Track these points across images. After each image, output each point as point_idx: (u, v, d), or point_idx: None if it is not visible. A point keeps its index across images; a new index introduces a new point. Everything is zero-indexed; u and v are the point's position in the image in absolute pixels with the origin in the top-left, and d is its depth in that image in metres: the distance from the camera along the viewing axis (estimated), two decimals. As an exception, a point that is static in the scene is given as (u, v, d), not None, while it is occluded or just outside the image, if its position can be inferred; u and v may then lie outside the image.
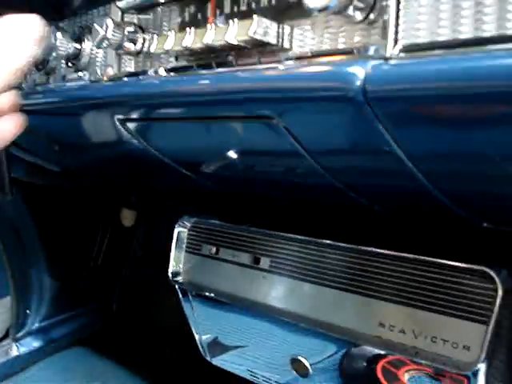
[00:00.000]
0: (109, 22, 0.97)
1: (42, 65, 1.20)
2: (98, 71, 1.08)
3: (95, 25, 0.98)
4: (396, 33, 0.68)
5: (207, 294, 1.13)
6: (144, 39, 1.00)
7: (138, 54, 1.01)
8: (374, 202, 0.89)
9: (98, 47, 0.99)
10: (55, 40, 1.11)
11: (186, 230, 1.20)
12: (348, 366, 1.00)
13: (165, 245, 2.16)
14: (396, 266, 0.89)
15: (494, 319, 0.78)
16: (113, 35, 0.98)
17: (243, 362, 1.13)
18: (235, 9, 0.86)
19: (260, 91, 0.76)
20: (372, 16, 0.71)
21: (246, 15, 0.84)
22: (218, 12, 0.89)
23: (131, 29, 0.99)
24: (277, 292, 1.04)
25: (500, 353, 0.81)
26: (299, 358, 1.00)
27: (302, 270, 1.01)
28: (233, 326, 1.13)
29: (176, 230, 1.21)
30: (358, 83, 0.66)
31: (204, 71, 0.85)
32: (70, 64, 1.14)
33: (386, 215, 0.92)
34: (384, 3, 0.70)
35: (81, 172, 1.46)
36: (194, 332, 1.22)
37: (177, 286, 1.18)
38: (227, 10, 0.88)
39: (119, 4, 1.04)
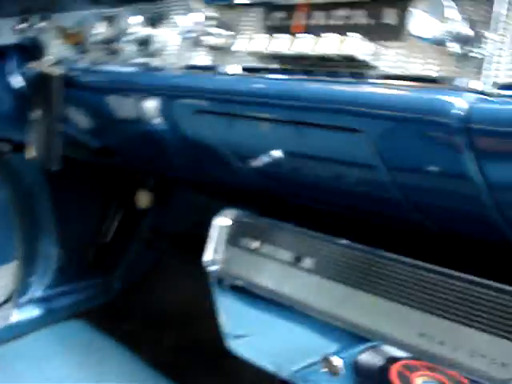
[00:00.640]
0: (193, 15, 1.01)
1: (106, 43, 1.23)
2: (171, 59, 1.11)
3: (177, 16, 1.02)
4: (495, 69, 0.73)
5: (243, 285, 1.17)
6: (224, 35, 1.03)
7: (214, 48, 1.05)
8: (428, 219, 0.94)
9: (181, 38, 1.02)
10: (126, 23, 1.14)
11: (228, 221, 1.24)
12: (364, 365, 1.06)
13: (175, 230, 2.21)
14: (443, 281, 0.94)
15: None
16: (195, 28, 1.01)
17: (268, 355, 1.17)
18: (327, 21, 0.90)
19: (357, 105, 0.81)
20: (468, 49, 0.75)
21: (337, 29, 0.88)
22: (307, 21, 0.93)
23: (213, 23, 1.03)
24: (315, 292, 1.08)
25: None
26: (331, 357, 1.05)
27: (344, 274, 1.06)
28: (264, 320, 1.17)
29: (217, 221, 1.25)
30: (461, 114, 0.70)
31: (296, 76, 0.89)
32: (139, 48, 1.17)
33: (435, 231, 0.97)
34: (484, 40, 0.74)
35: (120, 151, 1.49)
36: (220, 321, 1.26)
37: (212, 275, 1.22)
38: (318, 21, 0.91)
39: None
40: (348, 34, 0.84)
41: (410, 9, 0.75)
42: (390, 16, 0.83)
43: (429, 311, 0.94)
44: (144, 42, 1.14)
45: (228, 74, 0.98)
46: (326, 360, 1.04)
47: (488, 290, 0.89)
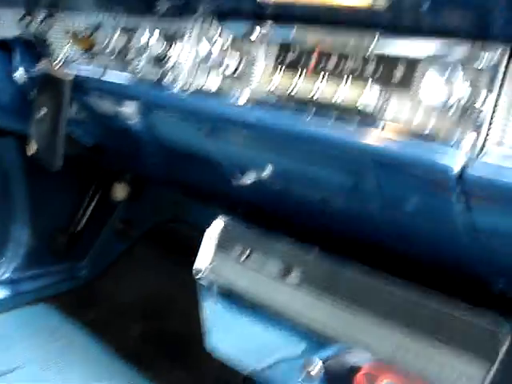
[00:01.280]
0: (217, 47, 1.08)
1: (119, 54, 1.29)
2: (184, 79, 1.18)
3: (194, 38, 1.09)
4: (488, 129, 0.83)
5: (231, 293, 1.25)
6: (238, 64, 1.11)
7: (228, 76, 1.12)
8: (412, 248, 1.06)
9: (196, 62, 1.09)
10: (142, 37, 1.20)
11: (218, 229, 1.31)
12: (333, 370, 1.17)
13: (147, 222, 2.27)
14: (417, 296, 1.05)
15: (499, 359, 0.96)
16: (217, 57, 1.09)
17: (249, 360, 1.25)
18: (340, 68, 0.99)
19: (361, 153, 0.91)
20: (467, 109, 0.86)
21: (350, 77, 0.98)
22: (321, 65, 1.02)
23: (232, 53, 1.10)
24: (299, 304, 1.18)
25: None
26: (312, 365, 1.15)
27: (328, 285, 1.15)
28: (244, 323, 1.26)
29: (209, 229, 1.31)
30: (455, 172, 0.81)
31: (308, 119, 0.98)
32: (153, 63, 1.23)
33: (415, 255, 1.08)
34: (481, 101, 0.84)
35: (109, 150, 1.55)
36: (203, 321, 1.33)
37: (200, 282, 1.29)
38: (332, 67, 1.00)
39: (217, 25, 1.14)
40: (361, 84, 0.94)
41: (420, 71, 0.84)
42: (399, 71, 0.93)
43: (401, 324, 1.06)
44: (158, 59, 1.20)
45: (239, 105, 1.06)
46: (303, 363, 1.13)
47: (455, 308, 1.02)
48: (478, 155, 0.81)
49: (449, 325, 1.03)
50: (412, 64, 0.91)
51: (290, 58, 1.05)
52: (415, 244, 1.04)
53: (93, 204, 2.19)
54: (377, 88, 0.93)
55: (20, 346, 1.92)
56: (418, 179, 0.87)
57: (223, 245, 1.30)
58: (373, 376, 1.13)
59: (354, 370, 1.15)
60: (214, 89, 1.13)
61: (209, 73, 1.13)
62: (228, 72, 1.09)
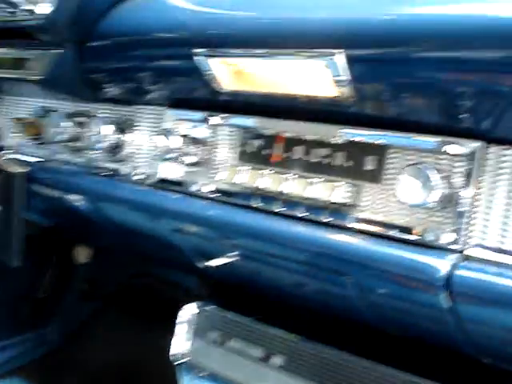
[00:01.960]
0: (175, 138, 1.03)
1: (71, 143, 1.23)
2: (142, 169, 1.13)
3: (159, 137, 1.04)
4: (471, 228, 0.80)
5: (210, 376, 1.20)
6: (198, 153, 1.06)
7: (187, 164, 1.07)
8: (398, 332, 1.03)
9: (161, 159, 1.04)
10: (95, 124, 1.15)
11: (194, 313, 1.26)
12: None
13: (112, 282, 2.20)
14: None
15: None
16: (175, 148, 1.04)
17: None
18: (306, 157, 0.95)
19: (343, 255, 0.87)
20: (447, 206, 0.83)
21: (317, 167, 0.94)
22: (286, 154, 0.98)
23: (192, 144, 1.05)
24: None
25: None
26: None
27: (308, 372, 1.12)
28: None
29: (183, 313, 1.26)
30: (442, 274, 0.78)
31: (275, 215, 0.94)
32: (106, 153, 1.17)
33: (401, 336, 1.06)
34: (462, 199, 0.81)
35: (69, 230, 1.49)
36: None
37: (178, 367, 1.24)
38: (297, 156, 0.96)
39: (173, 114, 1.09)
40: (331, 176, 0.90)
41: (399, 176, 0.81)
42: (369, 160, 0.89)
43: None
44: (113, 147, 1.15)
45: (202, 197, 1.01)
46: None
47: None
48: (463, 256, 0.78)
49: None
50: (382, 155, 0.87)
51: (253, 148, 1.00)
52: (398, 328, 1.01)
53: (56, 268, 2.11)
54: (348, 181, 0.89)
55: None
56: (401, 280, 0.84)
57: (199, 329, 1.25)
58: None
59: None
60: (172, 181, 1.08)
61: (166, 164, 1.08)
62: (187, 163, 1.05)
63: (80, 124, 1.19)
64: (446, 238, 0.81)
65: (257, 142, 1.00)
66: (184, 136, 1.05)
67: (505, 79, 0.71)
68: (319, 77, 0.85)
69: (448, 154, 0.82)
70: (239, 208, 0.99)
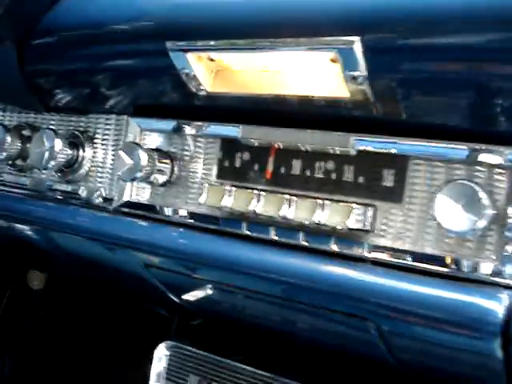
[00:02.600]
0: (141, 153, 0.84)
1: (15, 161, 1.03)
2: (102, 192, 0.94)
3: (121, 152, 0.85)
4: None
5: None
6: (173, 170, 0.88)
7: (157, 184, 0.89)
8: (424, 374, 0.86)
9: (125, 179, 0.85)
10: (52, 145, 0.95)
11: (166, 355, 1.09)
12: None
13: (69, 308, 2.00)
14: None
15: None
16: (142, 165, 0.85)
17: None
18: (307, 172, 0.78)
19: (359, 293, 0.70)
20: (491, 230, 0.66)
21: (320, 185, 0.76)
22: (281, 169, 0.80)
23: (163, 159, 0.87)
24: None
25: None
26: None
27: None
28: None
29: (156, 354, 1.09)
30: (497, 318, 0.62)
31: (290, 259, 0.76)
32: (59, 172, 0.98)
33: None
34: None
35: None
36: None
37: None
38: (297, 170, 0.79)
39: (138, 124, 0.91)
40: (340, 196, 0.73)
41: (437, 196, 0.64)
42: (388, 175, 0.72)
43: None
44: (66, 165, 0.95)
45: (176, 224, 0.83)
46: None
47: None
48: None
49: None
50: (403, 168, 0.70)
51: (238, 163, 0.82)
52: (425, 372, 0.84)
53: (10, 294, 1.91)
54: (362, 201, 0.72)
55: None
56: (436, 325, 0.67)
57: (173, 374, 1.07)
58: None
59: None
60: (140, 205, 0.90)
61: (132, 185, 0.89)
62: (156, 183, 0.86)
63: (26, 138, 0.99)
64: (494, 270, 0.64)
65: (243, 156, 0.82)
66: (152, 150, 0.86)
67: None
68: (326, 73, 0.68)
69: (484, 164, 0.66)
70: (224, 237, 0.81)
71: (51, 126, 0.98)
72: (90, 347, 1.97)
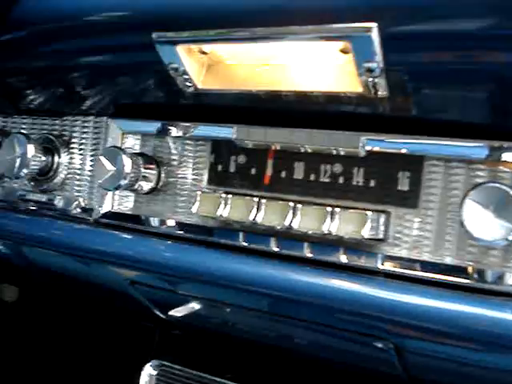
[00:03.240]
0: (125, 158, 0.76)
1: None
2: (81, 201, 0.86)
3: (102, 158, 0.77)
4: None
5: None
6: (158, 176, 0.80)
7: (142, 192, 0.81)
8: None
9: (107, 188, 0.77)
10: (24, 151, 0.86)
11: (153, 375, 1.02)
12: None
13: (45, 322, 1.92)
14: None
15: None
16: (125, 171, 0.76)
17: None
18: (311, 176, 0.71)
19: (374, 310, 0.63)
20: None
21: (327, 190, 0.69)
22: (281, 173, 0.72)
23: (148, 164, 0.79)
24: None
25: None
26: None
27: None
28: None
29: (143, 375, 1.02)
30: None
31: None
32: (32, 180, 0.90)
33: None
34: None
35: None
36: None
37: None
38: (299, 174, 0.71)
39: (119, 126, 0.83)
40: (349, 201, 0.66)
41: (465, 201, 0.57)
42: (402, 177, 0.65)
43: None
44: (40, 173, 0.87)
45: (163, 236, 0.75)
46: None
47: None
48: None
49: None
50: (418, 170, 0.63)
51: (233, 167, 0.75)
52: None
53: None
54: (374, 207, 0.65)
55: None
56: (465, 343, 0.60)
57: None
58: None
59: None
60: (123, 215, 0.82)
61: (114, 193, 0.81)
62: (141, 191, 0.78)
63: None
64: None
65: (238, 159, 0.75)
66: (136, 155, 0.78)
67: None
68: (334, 65, 0.61)
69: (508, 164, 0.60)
70: (219, 250, 0.73)
71: (23, 131, 0.89)
72: (68, 362, 1.88)
